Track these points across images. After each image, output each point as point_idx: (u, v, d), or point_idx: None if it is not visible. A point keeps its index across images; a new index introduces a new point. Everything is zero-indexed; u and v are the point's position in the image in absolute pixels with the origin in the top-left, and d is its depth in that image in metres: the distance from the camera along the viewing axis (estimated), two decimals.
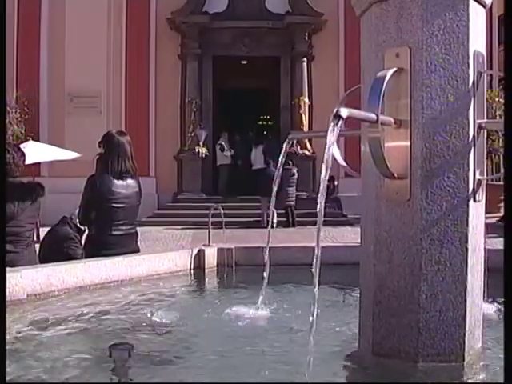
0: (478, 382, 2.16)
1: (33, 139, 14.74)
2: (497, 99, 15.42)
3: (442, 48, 2.12)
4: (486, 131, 2.26)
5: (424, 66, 2.10)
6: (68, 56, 17.71)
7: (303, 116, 17.69)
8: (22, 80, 17.15)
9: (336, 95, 16.81)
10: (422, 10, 2.12)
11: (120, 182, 4.34)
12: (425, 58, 2.10)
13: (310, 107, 17.86)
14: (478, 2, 2.22)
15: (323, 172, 1.74)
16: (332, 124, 1.72)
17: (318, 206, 1.72)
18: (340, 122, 1.73)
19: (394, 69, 2.07)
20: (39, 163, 14.53)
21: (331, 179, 15.00)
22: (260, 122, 23.92)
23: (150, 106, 18.02)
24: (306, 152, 17.20)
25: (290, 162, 15.10)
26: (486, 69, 2.25)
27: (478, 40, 2.21)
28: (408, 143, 2.10)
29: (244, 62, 18.40)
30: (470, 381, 2.14)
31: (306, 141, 17.07)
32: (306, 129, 17.48)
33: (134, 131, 16.40)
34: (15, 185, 4.07)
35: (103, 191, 4.31)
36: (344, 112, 1.73)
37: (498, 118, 14.90)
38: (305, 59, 17.98)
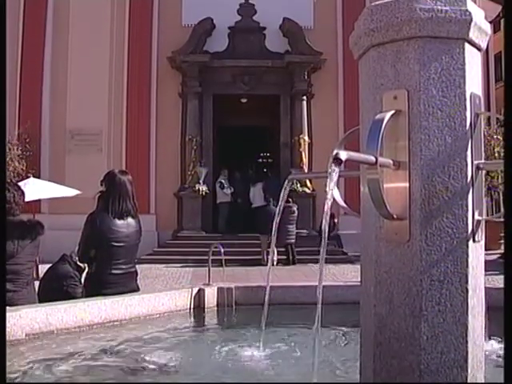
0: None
1: (33, 176, 14.81)
2: (495, 136, 15.55)
3: (439, 90, 2.15)
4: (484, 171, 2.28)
5: (422, 109, 2.13)
6: (70, 93, 17.91)
7: (303, 154, 17.77)
8: (24, 117, 17.28)
9: (335, 133, 16.95)
10: (418, 53, 2.16)
11: (120, 221, 4.35)
12: (422, 101, 2.13)
13: (310, 145, 17.97)
14: (474, 46, 2.27)
15: (324, 222, 1.75)
16: (331, 167, 1.74)
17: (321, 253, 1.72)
18: (339, 165, 1.75)
19: (392, 111, 2.09)
20: (39, 200, 14.55)
21: (331, 216, 15.01)
22: (260, 160, 24.03)
23: (151, 143, 18.13)
24: (306, 190, 17.23)
25: (291, 200, 15.11)
26: (482, 110, 2.28)
27: (474, 82, 2.25)
28: (407, 184, 2.12)
29: (244, 100, 18.58)
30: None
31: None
32: (305, 166, 17.56)
33: (134, 168, 16.54)
34: (15, 223, 4.08)
35: (103, 229, 4.31)
36: (343, 155, 1.75)
37: (496, 154, 15.05)
38: (304, 97, 18.14)
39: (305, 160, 17.74)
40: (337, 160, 1.73)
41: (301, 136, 17.86)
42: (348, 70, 17.12)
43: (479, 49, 2.31)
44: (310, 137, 18.02)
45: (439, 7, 2.16)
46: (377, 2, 2.29)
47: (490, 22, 21.59)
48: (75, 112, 17.71)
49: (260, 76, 18.01)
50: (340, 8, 18.62)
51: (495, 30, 22.56)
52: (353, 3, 17.77)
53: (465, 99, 2.17)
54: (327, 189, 1.74)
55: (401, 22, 2.17)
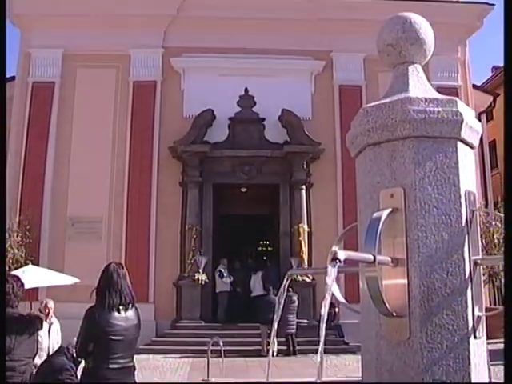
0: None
1: (32, 263, 14.72)
2: (493, 223, 15.55)
3: (434, 188, 2.20)
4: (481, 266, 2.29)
5: (418, 206, 2.18)
6: (71, 181, 18.04)
7: (302, 242, 17.72)
8: (26, 205, 17.37)
9: (335, 222, 17.07)
10: (413, 152, 2.23)
11: (119, 315, 4.31)
12: (418, 199, 2.18)
13: (310, 234, 17.94)
14: (466, 144, 2.34)
15: (322, 324, 1.75)
16: (330, 266, 1.76)
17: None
18: (338, 264, 1.77)
19: (389, 209, 2.13)
20: (37, 287, 14.38)
21: (332, 306, 14.80)
22: (260, 248, 23.96)
23: (151, 232, 18.10)
24: (306, 279, 17.06)
25: (291, 289, 14.95)
26: (478, 206, 2.33)
27: (468, 179, 2.31)
28: (406, 281, 2.13)
29: (244, 190, 18.72)
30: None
31: (306, 266, 17.02)
32: (305, 255, 17.47)
33: (133, 257, 16.52)
34: (13, 318, 4.03)
35: (102, 324, 4.26)
36: (341, 255, 1.78)
37: (496, 241, 15.03)
38: (303, 187, 18.26)
39: (304, 249, 17.67)
40: (335, 260, 1.75)
41: (300, 225, 17.88)
42: (346, 159, 17.33)
43: (471, 147, 2.38)
44: (309, 225, 18.03)
45: (432, 108, 2.25)
46: (372, 104, 2.39)
47: (483, 112, 22.22)
48: (76, 199, 17.81)
49: (259, 166, 18.26)
50: (337, 100, 19.12)
51: (488, 119, 23.20)
52: (349, 95, 18.35)
53: (460, 196, 2.22)
54: (326, 288, 1.75)
55: (395, 123, 2.26)
